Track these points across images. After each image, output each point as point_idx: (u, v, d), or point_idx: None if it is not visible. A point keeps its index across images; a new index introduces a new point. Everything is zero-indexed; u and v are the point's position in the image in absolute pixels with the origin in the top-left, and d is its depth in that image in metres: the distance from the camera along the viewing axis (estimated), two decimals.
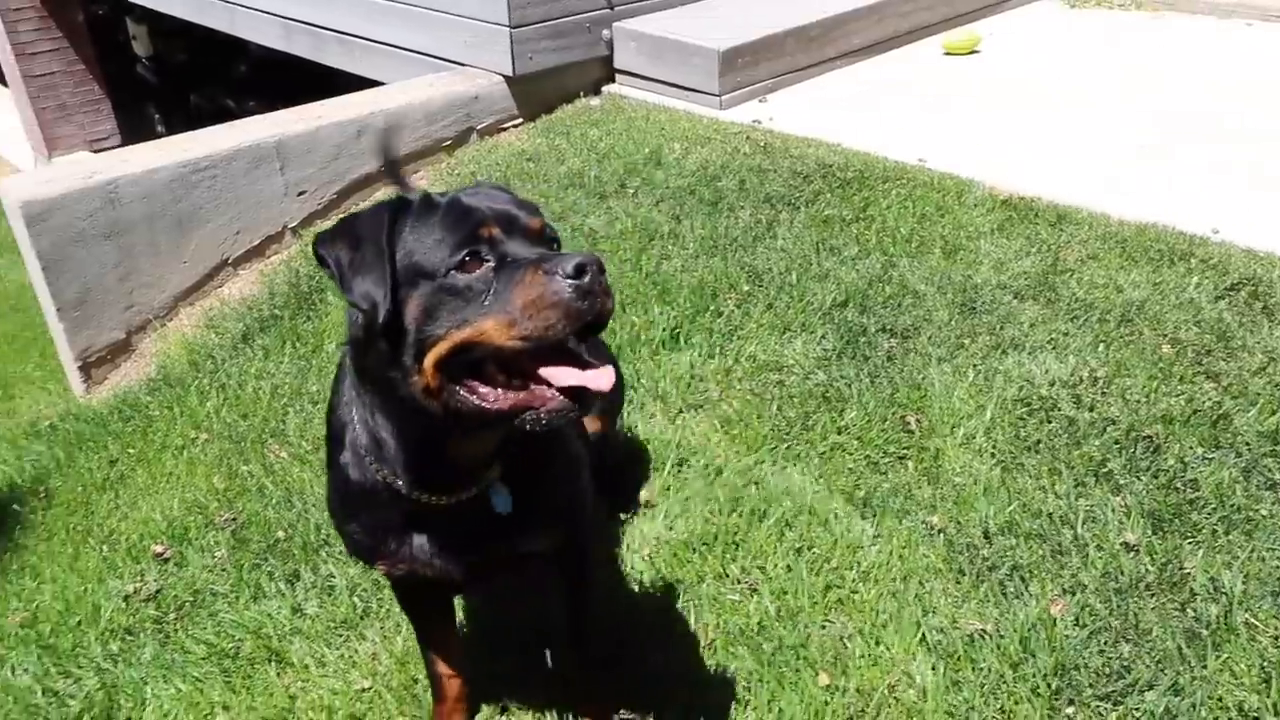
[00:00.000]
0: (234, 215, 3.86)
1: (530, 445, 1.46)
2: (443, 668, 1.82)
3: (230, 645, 2.20)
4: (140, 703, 2.11)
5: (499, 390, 1.24)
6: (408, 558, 1.53)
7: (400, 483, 1.42)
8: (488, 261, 1.23)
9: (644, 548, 2.25)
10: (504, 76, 4.45)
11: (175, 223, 3.73)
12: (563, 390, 1.22)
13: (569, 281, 1.16)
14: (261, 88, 8.39)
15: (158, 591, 2.39)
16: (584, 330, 1.19)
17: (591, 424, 2.10)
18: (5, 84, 10.75)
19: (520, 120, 4.55)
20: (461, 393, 1.25)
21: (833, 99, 4.60)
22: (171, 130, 9.58)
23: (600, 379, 1.22)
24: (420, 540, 1.51)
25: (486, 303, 1.20)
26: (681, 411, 2.66)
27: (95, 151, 8.86)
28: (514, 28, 4.34)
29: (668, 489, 2.41)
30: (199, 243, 3.81)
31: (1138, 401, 2.51)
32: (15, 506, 2.91)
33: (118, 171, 3.63)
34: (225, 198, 3.82)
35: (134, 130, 9.23)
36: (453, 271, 1.22)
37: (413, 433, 1.36)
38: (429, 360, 1.23)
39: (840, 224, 3.41)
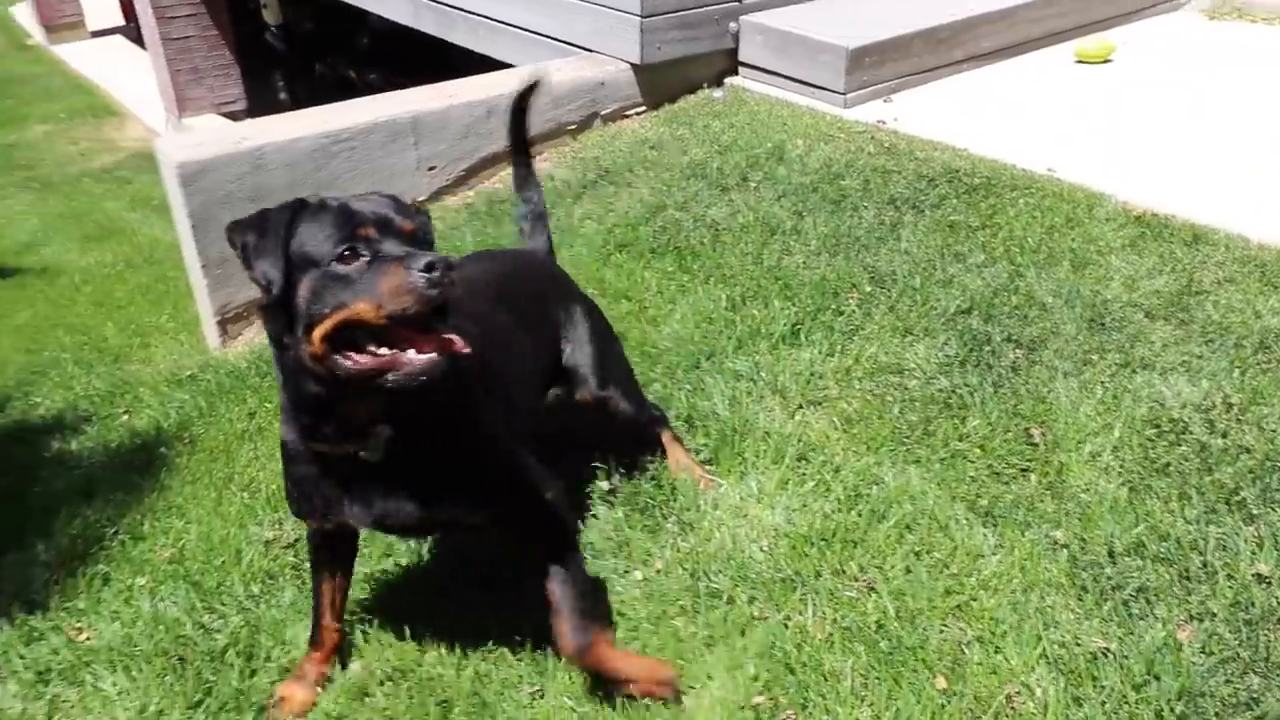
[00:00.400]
0: (368, 186, 4.01)
1: (427, 416, 1.71)
2: (329, 619, 2.08)
3: (365, 597, 2.32)
4: (281, 643, 2.24)
5: (366, 356, 1.54)
6: (335, 513, 1.82)
7: (298, 434, 1.71)
8: (364, 256, 1.53)
9: (762, 538, 2.30)
10: (631, 64, 4.52)
11: (314, 190, 3.89)
12: (429, 350, 1.52)
13: (421, 275, 1.47)
14: (381, 59, 8.64)
15: (296, 540, 2.53)
16: (436, 311, 1.51)
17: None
18: (144, 47, 11.26)
19: (644, 108, 4.61)
20: (339, 359, 1.54)
21: (960, 102, 4.55)
22: (294, 97, 9.93)
23: (458, 344, 1.54)
24: (342, 497, 1.79)
25: (360, 289, 1.51)
26: (801, 407, 2.70)
27: (223, 114, 9.24)
28: (645, 17, 4.40)
29: (786, 483, 2.45)
30: None
31: (1274, 431, 2.45)
32: (162, 450, 3.10)
33: (264, 139, 3.81)
34: (362, 169, 3.97)
35: (259, 96, 9.59)
36: (334, 262, 1.52)
37: (306, 390, 1.64)
38: (316, 333, 1.53)
39: (966, 230, 3.39)
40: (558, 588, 1.89)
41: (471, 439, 1.82)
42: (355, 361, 1.54)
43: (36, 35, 13.42)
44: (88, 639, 2.37)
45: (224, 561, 2.51)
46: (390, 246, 1.54)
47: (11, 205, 7.81)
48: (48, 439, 3.43)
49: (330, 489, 1.79)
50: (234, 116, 9.16)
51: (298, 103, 9.64)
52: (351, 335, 1.53)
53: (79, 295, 5.44)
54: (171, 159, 3.65)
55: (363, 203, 1.60)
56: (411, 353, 1.52)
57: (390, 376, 1.53)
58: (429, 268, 1.47)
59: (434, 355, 1.52)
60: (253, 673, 2.18)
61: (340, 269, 1.52)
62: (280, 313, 1.57)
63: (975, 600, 2.06)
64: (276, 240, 1.55)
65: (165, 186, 3.82)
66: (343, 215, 1.56)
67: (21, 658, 2.32)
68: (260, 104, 9.50)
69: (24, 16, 14.28)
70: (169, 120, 9.45)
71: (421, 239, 1.60)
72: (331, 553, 2.06)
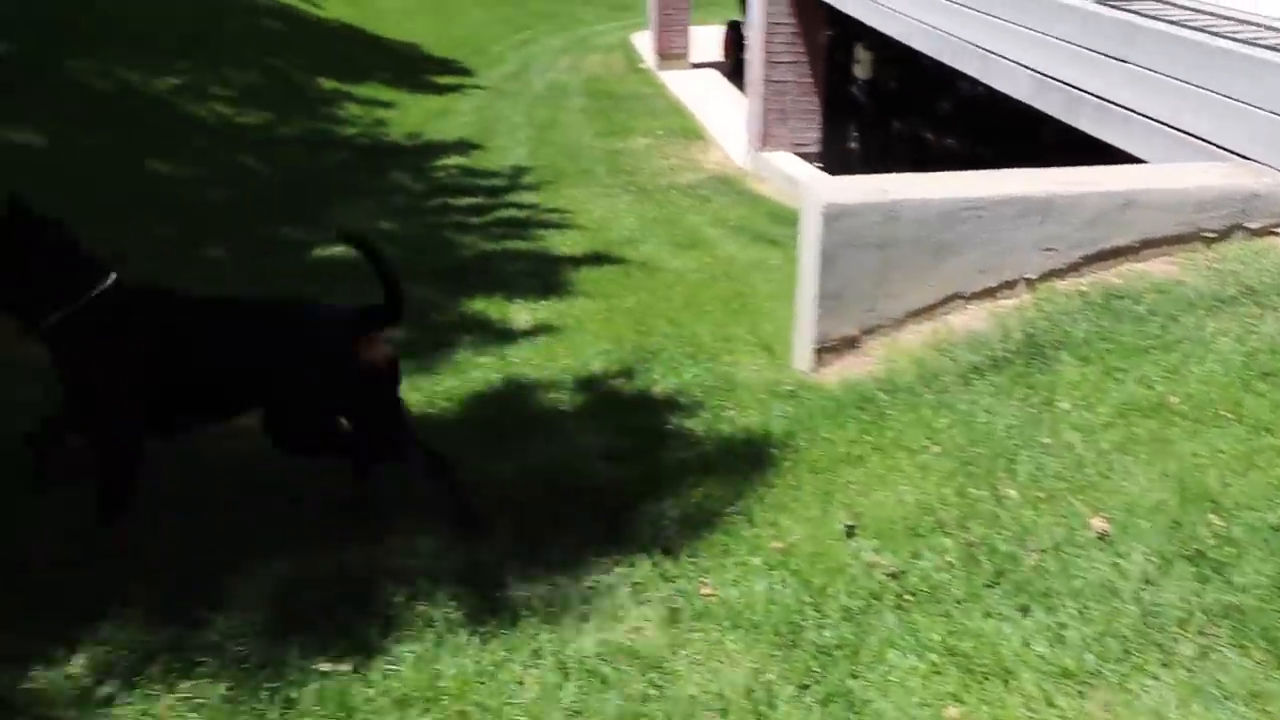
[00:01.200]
0: (982, 255, 4.15)
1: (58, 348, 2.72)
2: None
3: (965, 646, 2.42)
4: (881, 659, 2.42)
5: None
6: None
7: None
8: None
9: None
10: None
11: (933, 249, 4.12)
12: None
13: None
14: (961, 126, 8.80)
15: (899, 573, 2.71)
16: None
17: None
18: (734, 82, 12.64)
19: None
20: None
21: None
22: (865, 149, 10.53)
23: None
24: None
25: None
26: None
27: (797, 154, 10.05)
28: None
29: None
30: (944, 272, 4.16)
31: None
32: (770, 451, 3.49)
33: (902, 194, 4.11)
34: (981, 238, 4.11)
35: (831, 142, 10.30)
36: None
37: None
38: None
39: None
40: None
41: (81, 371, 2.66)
42: None
43: (648, 60, 15.69)
44: (710, 594, 2.77)
45: (827, 569, 2.78)
46: None
47: (616, 203, 9.22)
48: (667, 413, 4.03)
49: None
50: (807, 158, 9.94)
51: (868, 154, 10.21)
52: None
53: (672, 293, 6.27)
54: (819, 199, 4.08)
55: None
56: None
57: None
58: None
59: None
60: (854, 675, 2.39)
61: None
62: None
63: None
64: None
65: (803, 221, 4.27)
66: None
67: (658, 592, 2.77)
68: (831, 149, 10.20)
69: (639, 43, 16.77)
70: (748, 151, 10.51)
71: None
72: None
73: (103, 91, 10.95)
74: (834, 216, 4.04)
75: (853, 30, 10.03)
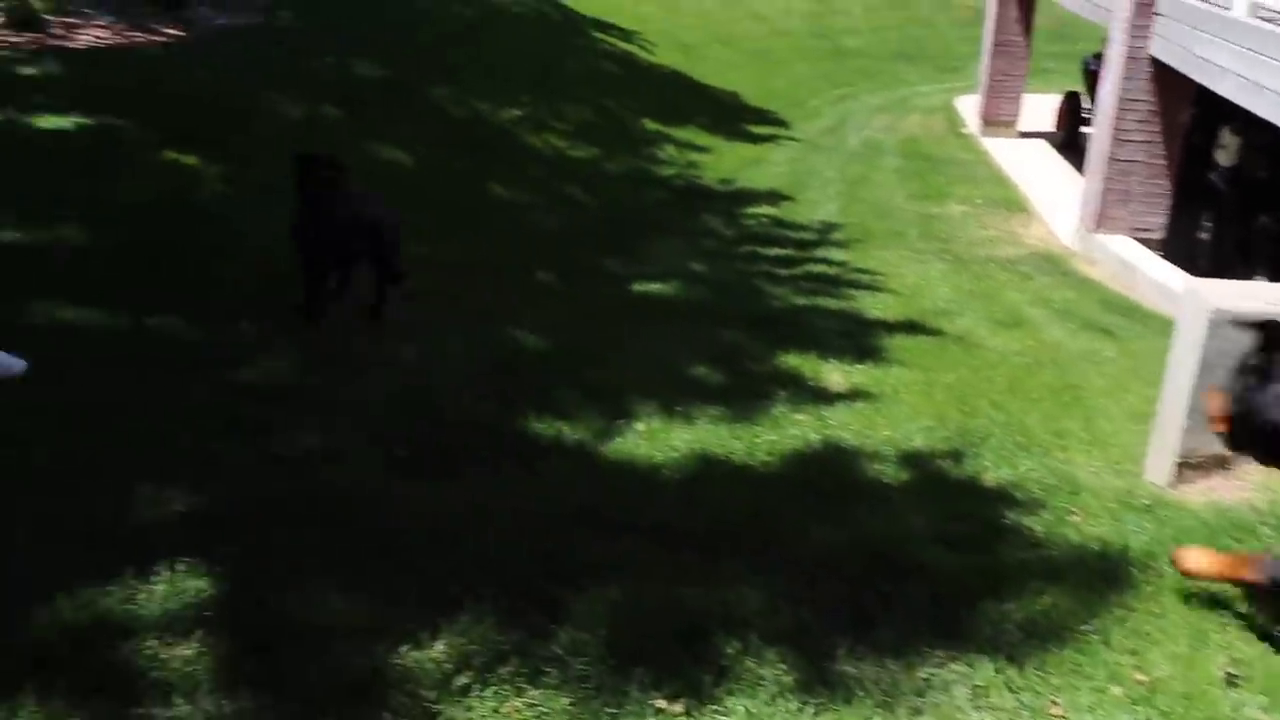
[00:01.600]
0: None
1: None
2: None
3: None
4: None
5: None
6: None
7: None
8: None
9: None
10: None
11: None
12: None
13: None
14: None
15: None
16: None
17: None
18: (1065, 155, 11.95)
19: None
20: None
21: None
22: (1218, 242, 9.58)
23: None
24: None
25: None
26: None
27: (1137, 239, 9.31)
28: None
29: None
30: None
31: None
32: (1128, 568, 3.21)
33: None
34: None
35: (1178, 229, 9.45)
36: None
37: None
38: None
39: None
40: None
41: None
42: None
43: (970, 125, 15.20)
44: (1060, 716, 2.57)
45: (1204, 718, 2.50)
46: None
47: (929, 270, 8.95)
48: (1002, 505, 3.81)
49: None
50: (1147, 244, 9.18)
51: (1220, 248, 9.28)
52: None
53: (994, 374, 5.96)
54: (1205, 302, 3.73)
55: None
56: None
57: None
58: None
59: None
60: None
61: None
62: None
63: None
64: None
65: (1181, 323, 3.92)
66: None
67: (1002, 700, 2.61)
68: (1176, 238, 9.37)
69: (963, 107, 16.29)
70: (1078, 231, 9.88)
71: None
72: None
73: (458, 118, 12.15)
74: (1220, 324, 3.67)
75: (1219, 112, 9.17)
